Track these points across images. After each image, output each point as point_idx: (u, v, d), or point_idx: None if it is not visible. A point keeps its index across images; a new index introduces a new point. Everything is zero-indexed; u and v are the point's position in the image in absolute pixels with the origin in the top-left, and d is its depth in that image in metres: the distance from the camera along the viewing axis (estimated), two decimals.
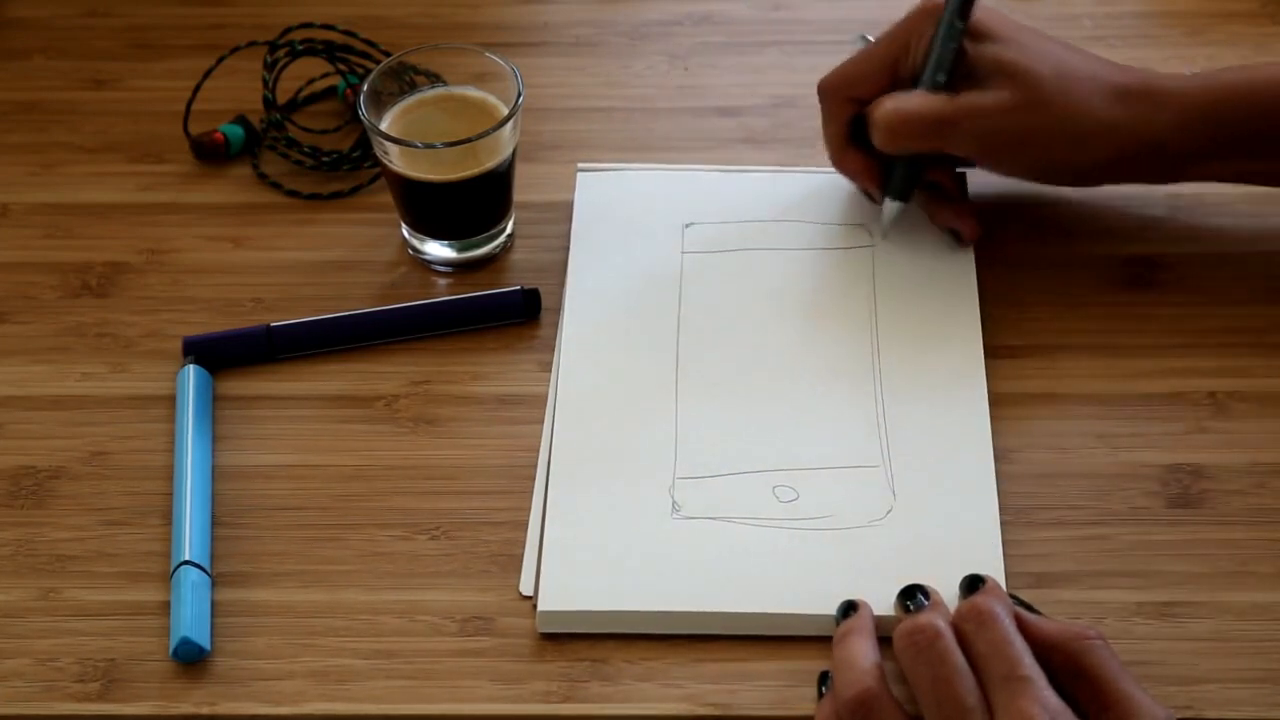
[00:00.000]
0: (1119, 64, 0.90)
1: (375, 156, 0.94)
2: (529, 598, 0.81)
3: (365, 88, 0.92)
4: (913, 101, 0.88)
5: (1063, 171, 0.91)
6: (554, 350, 0.90)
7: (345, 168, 1.00)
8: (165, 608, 0.81)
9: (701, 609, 0.79)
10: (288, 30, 1.01)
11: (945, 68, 0.88)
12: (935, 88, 0.88)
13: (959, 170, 0.94)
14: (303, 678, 0.79)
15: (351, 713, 0.78)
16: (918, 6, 0.90)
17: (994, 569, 0.79)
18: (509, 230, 0.96)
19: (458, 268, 0.95)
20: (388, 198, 0.95)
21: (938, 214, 0.93)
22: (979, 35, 0.89)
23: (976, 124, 0.88)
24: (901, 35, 0.90)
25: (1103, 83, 0.88)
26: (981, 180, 0.94)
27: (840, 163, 0.93)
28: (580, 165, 0.98)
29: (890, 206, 0.92)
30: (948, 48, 0.88)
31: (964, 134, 0.88)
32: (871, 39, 0.92)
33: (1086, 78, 0.88)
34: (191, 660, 0.79)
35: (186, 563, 0.81)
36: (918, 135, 0.89)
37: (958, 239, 0.92)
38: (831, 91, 0.92)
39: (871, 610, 0.78)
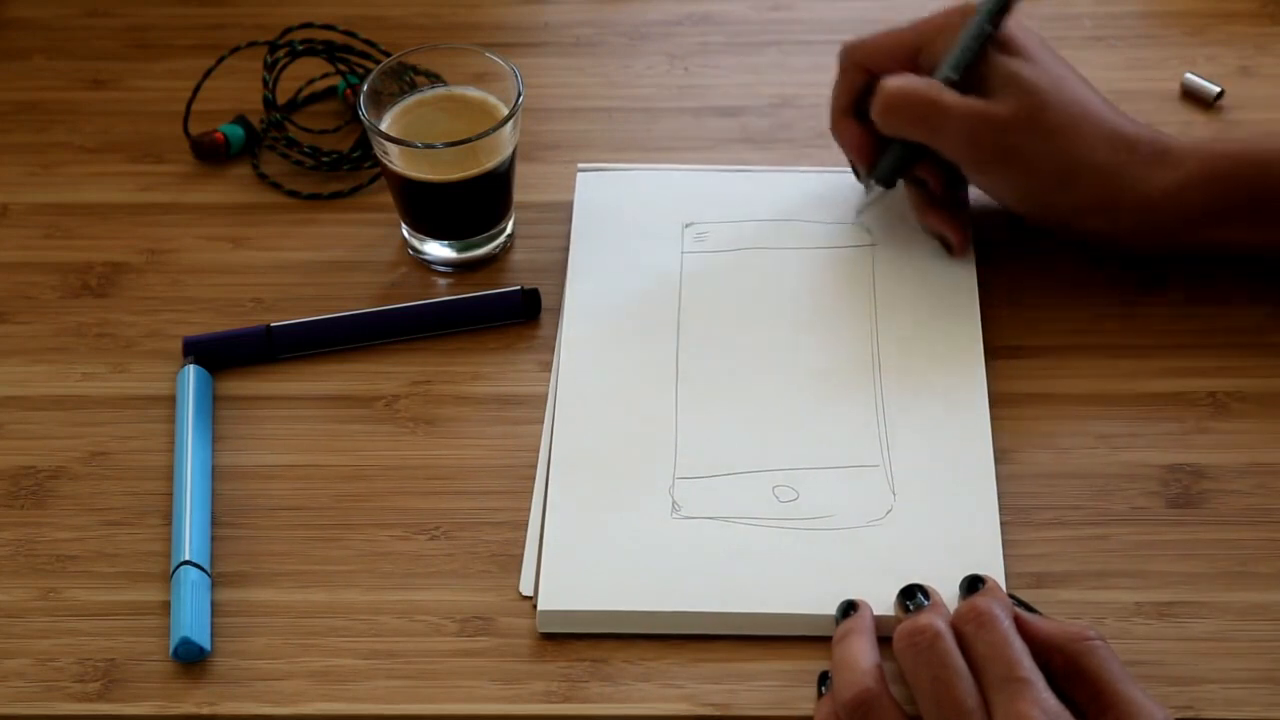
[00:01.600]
0: (1134, 118, 0.88)
1: (375, 156, 0.94)
2: (529, 598, 0.81)
3: (365, 88, 0.92)
4: (919, 84, 0.88)
5: (1046, 204, 0.89)
6: (554, 350, 0.90)
7: (345, 168, 1.00)
8: (165, 608, 0.81)
9: (701, 609, 0.79)
10: (288, 30, 1.01)
11: (961, 65, 0.88)
12: (946, 82, 0.88)
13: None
14: (303, 678, 0.79)
15: (351, 713, 0.78)
16: (956, 2, 0.89)
17: (994, 569, 0.79)
18: (509, 230, 0.96)
19: (458, 268, 0.95)
20: (388, 198, 0.95)
21: (926, 216, 0.92)
22: (1006, 48, 0.88)
23: (971, 126, 0.87)
24: (932, 25, 0.90)
25: (1111, 128, 0.87)
26: None
27: (837, 129, 0.92)
28: (580, 165, 0.98)
29: (873, 189, 0.91)
30: (970, 47, 0.87)
31: (956, 133, 0.87)
32: None
33: (1096, 119, 0.87)
34: (191, 660, 0.79)
35: (186, 563, 0.81)
36: (912, 118, 0.88)
37: (947, 248, 0.92)
38: (850, 54, 0.91)
39: (871, 610, 0.78)
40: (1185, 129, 0.99)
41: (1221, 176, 0.86)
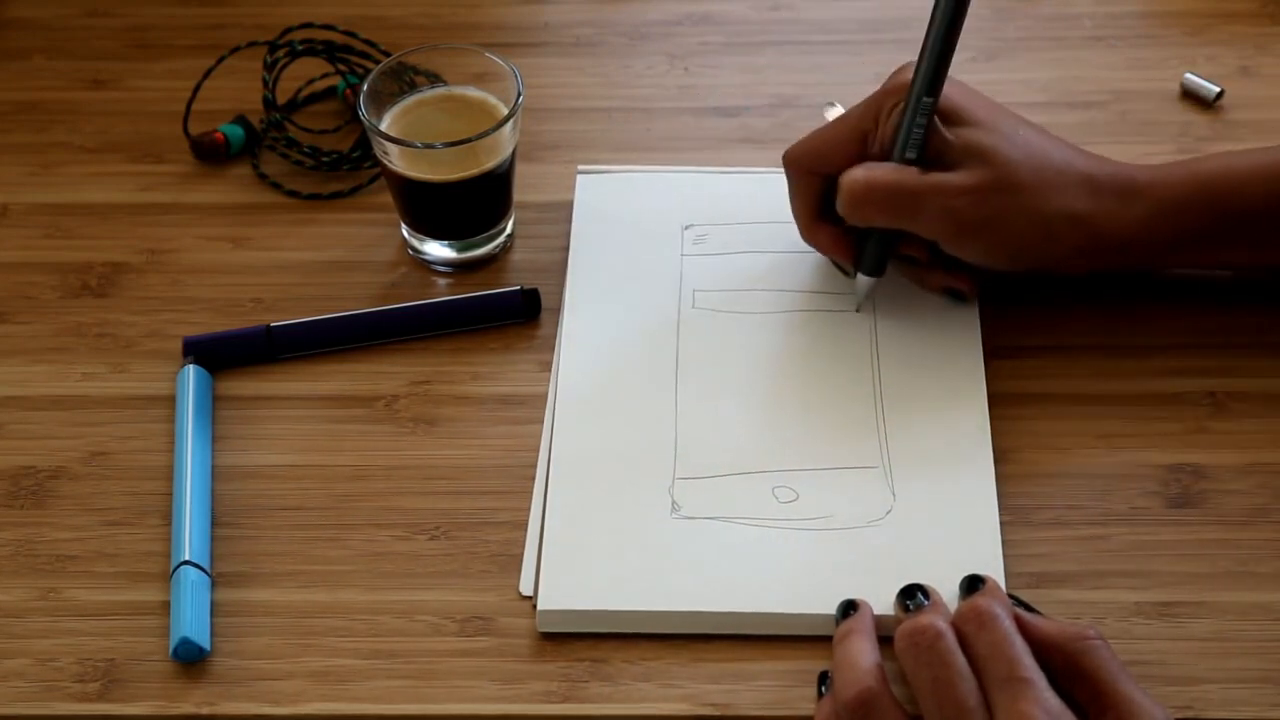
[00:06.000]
0: (1092, 154, 0.87)
1: (375, 156, 0.94)
2: (529, 598, 0.81)
3: (365, 88, 0.92)
4: (882, 171, 0.85)
5: (1031, 259, 0.87)
6: (554, 350, 0.90)
7: (345, 168, 1.00)
8: (165, 608, 0.81)
9: (701, 609, 0.79)
10: (288, 30, 1.01)
11: (915, 144, 0.85)
12: (905, 164, 0.85)
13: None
14: (303, 678, 0.79)
15: (351, 713, 0.78)
16: (887, 81, 0.87)
17: (994, 569, 0.79)
18: (509, 230, 0.96)
19: (458, 268, 0.95)
20: (388, 198, 0.95)
21: (928, 279, 0.90)
22: (952, 119, 0.85)
23: (945, 202, 0.84)
24: (871, 109, 0.86)
25: (1076, 173, 0.85)
26: None
27: (810, 237, 0.90)
28: (580, 167, 0.98)
29: (863, 281, 0.89)
30: (916, 123, 0.84)
31: (931, 212, 0.85)
32: (841, 108, 0.90)
33: (1060, 166, 0.85)
34: (191, 660, 0.79)
35: (186, 563, 0.81)
36: (884, 207, 0.85)
37: (958, 298, 0.90)
38: (796, 164, 0.88)
39: (871, 610, 0.78)
40: (1185, 129, 0.99)
41: (1185, 204, 0.85)
